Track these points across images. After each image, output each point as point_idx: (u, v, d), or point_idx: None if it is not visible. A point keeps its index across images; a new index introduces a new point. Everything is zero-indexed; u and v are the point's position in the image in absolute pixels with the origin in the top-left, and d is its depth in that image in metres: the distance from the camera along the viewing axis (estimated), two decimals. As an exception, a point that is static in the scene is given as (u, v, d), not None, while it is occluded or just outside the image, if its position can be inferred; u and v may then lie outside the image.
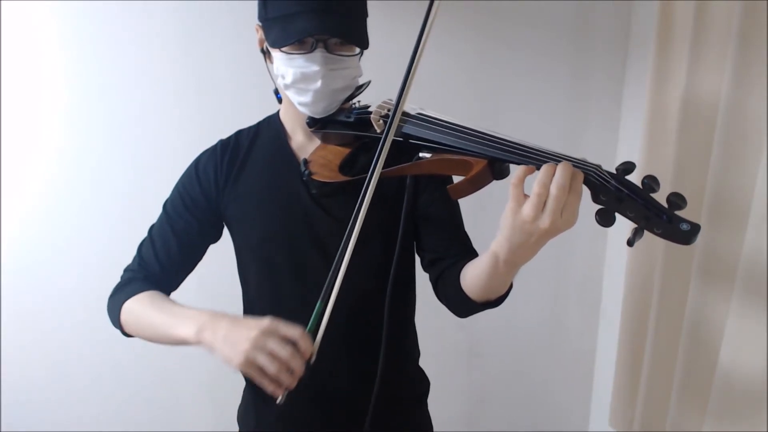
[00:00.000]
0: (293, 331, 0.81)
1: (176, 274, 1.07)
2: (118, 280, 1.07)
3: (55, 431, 1.90)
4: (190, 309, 0.91)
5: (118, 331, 1.03)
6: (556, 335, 2.07)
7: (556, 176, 0.66)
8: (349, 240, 0.81)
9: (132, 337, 1.02)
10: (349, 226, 0.81)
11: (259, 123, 1.09)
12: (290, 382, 0.80)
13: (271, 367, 0.79)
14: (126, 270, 1.08)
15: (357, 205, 0.81)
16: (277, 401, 0.82)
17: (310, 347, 0.81)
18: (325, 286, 0.83)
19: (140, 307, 0.97)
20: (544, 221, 0.66)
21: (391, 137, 0.80)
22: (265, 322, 0.81)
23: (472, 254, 1.01)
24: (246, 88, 1.61)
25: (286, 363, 0.79)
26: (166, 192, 1.09)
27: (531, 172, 0.71)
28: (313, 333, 0.83)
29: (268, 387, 0.81)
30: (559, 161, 0.68)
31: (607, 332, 2.01)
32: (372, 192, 0.80)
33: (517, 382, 2.11)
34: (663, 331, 1.53)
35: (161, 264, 1.04)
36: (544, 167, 0.67)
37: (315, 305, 1.02)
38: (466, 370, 2.07)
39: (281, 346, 0.79)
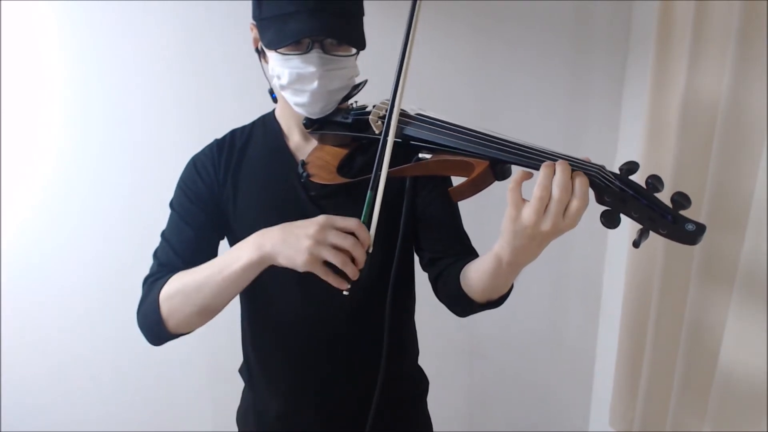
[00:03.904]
0: (349, 222, 0.79)
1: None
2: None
3: (55, 431, 1.90)
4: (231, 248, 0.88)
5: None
6: (556, 335, 2.07)
7: (556, 176, 0.65)
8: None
9: (177, 336, 0.95)
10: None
11: (254, 122, 1.08)
12: (354, 273, 0.79)
13: (336, 259, 0.77)
14: (145, 279, 1.02)
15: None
16: (344, 293, 0.81)
17: (368, 236, 0.80)
18: (373, 175, 0.80)
19: (181, 281, 0.91)
20: (546, 224, 0.66)
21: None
22: (320, 218, 0.80)
23: (472, 253, 1.01)
24: (246, 88, 1.60)
25: (350, 253, 0.78)
26: (165, 192, 1.08)
27: (528, 177, 0.70)
28: (367, 223, 0.81)
29: (334, 281, 0.79)
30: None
31: (607, 332, 2.00)
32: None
33: (518, 382, 2.11)
34: (663, 331, 1.53)
35: (182, 257, 0.99)
36: (544, 170, 0.66)
37: (316, 307, 1.02)
38: (467, 369, 2.07)
39: (342, 237, 0.78)
